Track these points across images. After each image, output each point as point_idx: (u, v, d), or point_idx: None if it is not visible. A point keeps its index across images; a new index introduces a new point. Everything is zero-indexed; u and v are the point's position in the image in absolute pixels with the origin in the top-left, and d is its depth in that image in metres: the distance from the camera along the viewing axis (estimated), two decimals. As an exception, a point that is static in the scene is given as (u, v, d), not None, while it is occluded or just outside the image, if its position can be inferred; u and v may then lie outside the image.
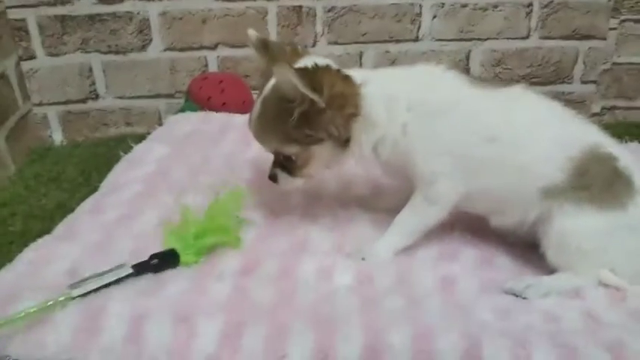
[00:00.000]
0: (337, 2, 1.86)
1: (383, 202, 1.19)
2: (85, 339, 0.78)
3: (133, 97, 1.93)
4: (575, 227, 0.90)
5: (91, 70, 1.87)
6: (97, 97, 1.91)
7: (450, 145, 0.96)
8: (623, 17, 1.93)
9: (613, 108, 2.06)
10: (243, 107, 1.73)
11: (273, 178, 1.03)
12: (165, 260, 0.93)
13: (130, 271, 0.89)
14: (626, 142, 1.58)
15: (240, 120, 1.56)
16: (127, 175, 1.22)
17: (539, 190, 0.94)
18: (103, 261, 0.91)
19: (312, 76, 0.91)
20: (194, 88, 1.73)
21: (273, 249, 1.01)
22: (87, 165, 1.70)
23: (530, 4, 1.90)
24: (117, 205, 1.10)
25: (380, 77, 1.01)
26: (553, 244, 0.92)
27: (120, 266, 0.89)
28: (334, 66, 0.98)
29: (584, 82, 2.02)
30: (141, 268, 0.90)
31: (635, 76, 2.02)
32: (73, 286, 0.84)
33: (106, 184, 1.22)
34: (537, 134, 0.95)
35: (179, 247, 0.95)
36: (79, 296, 0.83)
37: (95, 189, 1.24)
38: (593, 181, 0.92)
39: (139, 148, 1.34)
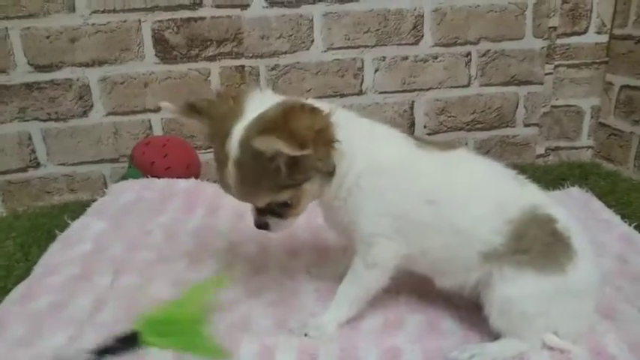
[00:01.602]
0: (280, 61, 1.87)
1: (331, 269, 1.17)
2: None
3: (76, 164, 1.88)
4: (516, 293, 0.90)
5: (30, 138, 1.82)
6: (37, 165, 1.86)
7: (391, 206, 0.95)
8: (556, 63, 2.01)
9: (557, 148, 2.12)
10: (188, 171, 1.71)
11: (263, 226, 0.98)
12: (125, 343, 0.89)
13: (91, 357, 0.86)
14: (567, 186, 1.63)
15: (184, 185, 1.55)
16: (62, 256, 1.17)
17: (479, 254, 0.93)
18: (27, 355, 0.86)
19: (290, 128, 0.82)
20: (137, 153, 1.70)
21: (213, 331, 0.96)
22: (27, 238, 1.63)
23: (469, 54, 1.96)
24: (49, 291, 1.05)
25: (343, 113, 0.96)
26: (495, 309, 0.92)
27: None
28: (290, 100, 0.93)
29: (526, 125, 2.07)
30: (102, 352, 0.87)
31: (573, 117, 2.09)
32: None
33: (40, 266, 1.17)
34: (475, 198, 0.95)
35: (144, 328, 0.91)
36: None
37: (33, 266, 1.19)
38: (532, 245, 0.91)
39: (75, 225, 1.30)
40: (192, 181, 1.58)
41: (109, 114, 1.84)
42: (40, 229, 1.64)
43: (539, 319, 0.91)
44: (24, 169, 1.85)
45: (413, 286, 1.08)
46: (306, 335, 0.96)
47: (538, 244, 0.92)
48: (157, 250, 1.21)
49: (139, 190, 1.49)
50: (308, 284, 1.13)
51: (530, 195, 0.98)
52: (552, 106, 2.06)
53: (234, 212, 1.43)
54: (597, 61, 2.02)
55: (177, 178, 1.63)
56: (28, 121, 1.80)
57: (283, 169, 0.87)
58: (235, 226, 1.36)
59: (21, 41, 1.72)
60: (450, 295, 1.03)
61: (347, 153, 0.94)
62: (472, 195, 0.96)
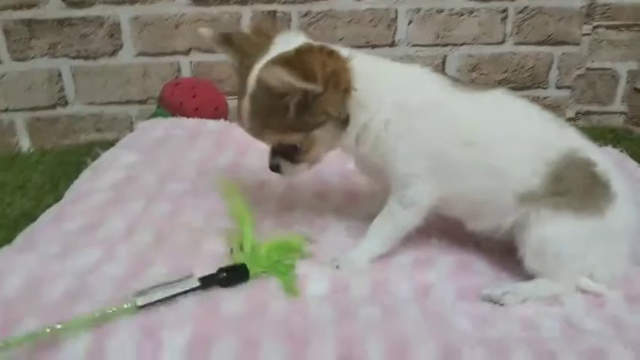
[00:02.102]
0: (312, 7, 1.84)
1: (359, 209, 1.17)
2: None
3: (103, 104, 1.88)
4: (553, 234, 0.88)
5: (60, 75, 1.82)
6: (65, 103, 1.86)
7: (427, 147, 0.94)
8: (595, 23, 1.95)
9: (587, 113, 2.07)
10: (216, 113, 1.70)
11: (275, 168, 0.99)
12: (234, 274, 0.90)
13: (197, 284, 0.86)
14: (600, 146, 1.59)
15: (213, 126, 1.54)
16: (93, 183, 1.17)
17: (516, 196, 0.92)
18: (61, 273, 0.87)
19: (301, 64, 0.84)
20: (166, 94, 1.69)
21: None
22: (54, 173, 1.65)
23: (505, 10, 1.91)
24: (81, 213, 1.06)
25: (365, 59, 0.96)
26: (531, 250, 0.91)
27: (187, 277, 0.86)
28: (314, 43, 0.93)
29: (558, 88, 2.03)
30: (208, 282, 0.87)
31: (607, 82, 2.04)
32: (139, 293, 0.81)
33: (70, 192, 1.17)
34: (513, 139, 0.94)
35: (248, 261, 0.92)
36: (143, 305, 0.80)
37: (62, 197, 1.20)
38: (571, 187, 0.90)
39: (106, 156, 1.30)
40: (221, 122, 1.57)
41: (138, 54, 1.83)
42: (69, 164, 1.65)
43: (574, 261, 0.90)
44: (52, 107, 1.86)
45: (444, 228, 1.07)
46: (337, 267, 0.96)
47: (577, 187, 0.90)
48: (189, 183, 1.21)
49: (168, 128, 1.49)
50: (337, 222, 1.12)
51: (569, 138, 0.96)
52: (587, 69, 2.01)
53: (263, 154, 1.42)
54: (638, 22, 1.95)
55: (206, 119, 1.62)
56: (58, 57, 1.80)
57: (292, 108, 0.87)
58: (264, 166, 1.35)
59: (54, -25, 1.71)
60: (482, 238, 1.02)
61: (368, 102, 0.93)
62: (510, 136, 0.94)
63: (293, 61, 0.85)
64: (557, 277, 0.90)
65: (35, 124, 1.87)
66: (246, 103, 0.92)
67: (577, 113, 2.07)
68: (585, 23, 1.94)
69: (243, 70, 0.93)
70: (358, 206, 1.21)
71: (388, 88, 0.94)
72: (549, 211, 0.89)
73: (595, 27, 1.95)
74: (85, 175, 1.22)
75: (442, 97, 0.95)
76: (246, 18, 1.83)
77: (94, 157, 1.32)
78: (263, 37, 0.95)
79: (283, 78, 0.82)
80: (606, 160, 0.95)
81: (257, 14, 1.83)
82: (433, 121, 0.94)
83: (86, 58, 1.81)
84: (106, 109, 1.89)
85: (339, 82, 0.88)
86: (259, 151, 1.42)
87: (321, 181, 1.32)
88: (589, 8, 1.92)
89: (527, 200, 0.92)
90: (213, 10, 1.81)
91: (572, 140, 0.95)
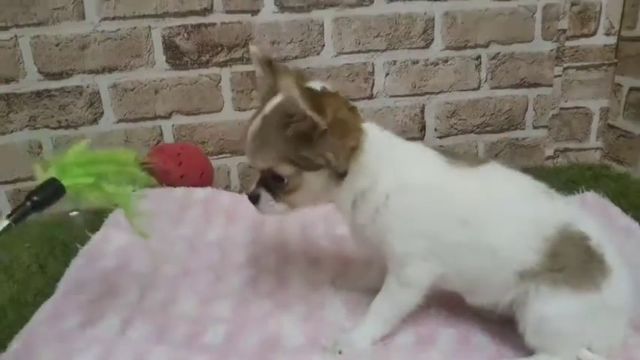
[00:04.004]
0: (291, 66, 1.86)
1: (355, 281, 1.18)
2: None
3: (86, 172, 1.86)
4: (551, 312, 0.90)
5: (40, 146, 1.80)
6: (47, 174, 1.84)
7: (426, 227, 0.94)
8: (565, 65, 2.01)
9: (565, 150, 2.12)
10: (202, 178, 1.70)
11: (254, 198, 0.97)
12: (45, 192, 0.84)
13: (8, 221, 0.81)
14: (582, 191, 1.63)
15: (201, 195, 1.54)
16: (86, 273, 1.16)
17: (515, 273, 0.93)
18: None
19: (317, 96, 0.87)
20: (151, 161, 1.68)
21: (244, 349, 0.96)
22: (41, 251, 1.61)
23: (479, 57, 1.95)
24: (77, 309, 1.04)
25: (376, 128, 0.98)
26: (530, 327, 0.91)
27: None
28: (342, 95, 0.95)
29: (535, 128, 2.07)
30: (21, 214, 0.82)
31: (582, 119, 2.09)
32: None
33: (64, 284, 1.15)
34: (510, 216, 0.95)
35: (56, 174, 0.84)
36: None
37: (51, 279, 1.18)
38: (567, 263, 0.91)
39: (96, 238, 1.28)
40: (208, 190, 1.57)
41: (119, 121, 1.83)
42: (56, 240, 1.62)
43: (574, 336, 0.91)
44: (34, 178, 1.83)
45: (443, 300, 1.08)
46: (340, 353, 0.95)
47: (573, 262, 0.92)
48: (181, 264, 1.21)
49: (156, 200, 1.48)
50: (335, 297, 1.13)
51: (562, 211, 0.98)
52: (561, 108, 2.06)
53: (251, 222, 1.43)
54: (606, 62, 2.02)
55: (192, 185, 1.62)
56: (38, 129, 1.78)
57: (290, 131, 0.87)
58: (253, 238, 1.36)
59: (31, 49, 1.70)
60: (481, 310, 1.03)
61: (372, 169, 0.94)
62: (507, 214, 0.95)
63: (312, 92, 0.87)
64: (557, 351, 0.91)
65: (17, 196, 1.84)
66: (257, 121, 0.93)
67: (555, 151, 2.12)
68: (556, 65, 2.00)
69: (268, 94, 0.95)
70: (352, 275, 1.21)
71: (393, 162, 0.96)
72: (547, 288, 0.91)
73: (565, 68, 2.01)
74: (77, 262, 1.20)
75: (440, 177, 0.96)
76: (225, 79, 1.84)
77: (81, 240, 1.30)
78: (301, 75, 0.96)
79: (295, 96, 0.84)
80: (598, 230, 0.96)
81: (236, 75, 1.84)
82: (431, 201, 0.95)
83: (67, 127, 1.80)
84: (88, 177, 1.86)
85: (347, 132, 0.90)
86: (246, 220, 1.43)
87: (313, 247, 1.33)
88: (558, 51, 1.98)
89: (525, 277, 0.93)
90: (193, 74, 1.82)
91: (565, 213, 0.97)
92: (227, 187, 1.94)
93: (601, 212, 1.46)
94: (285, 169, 0.91)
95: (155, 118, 1.85)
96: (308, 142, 0.88)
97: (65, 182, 0.86)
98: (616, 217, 1.42)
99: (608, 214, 1.45)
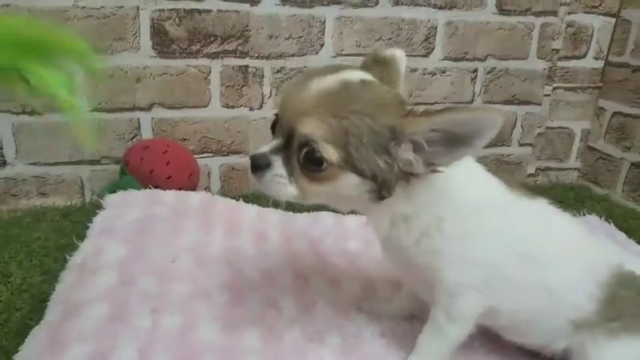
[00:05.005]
0: (286, 63, 1.74)
1: (382, 304, 1.08)
2: None
3: (49, 164, 1.64)
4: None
5: (-3, 134, 1.57)
6: (4, 163, 1.61)
7: (482, 254, 0.84)
8: (555, 85, 2.02)
9: (547, 169, 2.13)
10: (190, 179, 1.55)
11: (261, 164, 0.76)
12: None
13: None
14: (584, 214, 1.62)
15: (195, 200, 1.38)
16: (84, 291, 0.98)
17: (569, 322, 0.88)
18: None
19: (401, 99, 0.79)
20: (133, 159, 1.50)
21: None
22: (1, 253, 1.39)
23: (475, 70, 1.92)
24: (81, 336, 0.87)
25: None
26: None
27: None
28: None
29: (521, 145, 2.07)
30: None
31: (564, 139, 2.11)
32: None
33: (58, 303, 0.97)
34: (569, 257, 0.88)
35: None
36: None
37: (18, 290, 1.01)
38: (624, 309, 0.87)
39: (87, 250, 1.10)
40: (202, 195, 1.42)
41: (93, 110, 1.62)
42: (15, 242, 1.41)
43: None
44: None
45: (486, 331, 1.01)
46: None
47: (629, 308, 0.88)
48: (192, 282, 1.06)
49: (146, 204, 1.31)
50: (370, 325, 1.02)
51: (609, 251, 0.94)
52: (547, 127, 2.07)
53: (254, 233, 1.30)
54: (592, 85, 2.05)
55: (179, 188, 1.45)
56: (-3, 113, 1.55)
57: (369, 125, 0.73)
58: (261, 252, 1.23)
59: (-4, 20, 1.47)
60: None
61: (419, 197, 0.82)
62: (566, 254, 0.89)
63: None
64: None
65: (-38, 188, 1.60)
66: (331, 81, 0.75)
67: (537, 169, 2.12)
68: (546, 84, 2.00)
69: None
70: (381, 299, 1.12)
71: (447, 182, 0.82)
72: (605, 339, 0.86)
73: (554, 88, 2.02)
74: (70, 277, 1.02)
75: (503, 202, 0.87)
76: (215, 73, 1.69)
77: (66, 251, 1.12)
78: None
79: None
80: None
81: (227, 69, 1.69)
82: (492, 225, 0.85)
83: (30, 113, 1.58)
84: (52, 170, 1.65)
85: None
86: (248, 230, 1.30)
87: (327, 265, 1.22)
88: (550, 71, 1.98)
89: (581, 327, 0.87)
90: (180, 63, 1.65)
91: (612, 254, 0.93)
92: (207, 189, 1.78)
93: (611, 237, 1.45)
94: (331, 154, 0.72)
95: (134, 109, 1.66)
96: (378, 144, 0.74)
97: None
98: (626, 244, 1.41)
99: (617, 240, 1.44)
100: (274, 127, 0.81)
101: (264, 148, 0.77)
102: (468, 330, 0.90)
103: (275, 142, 0.77)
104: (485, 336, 1.01)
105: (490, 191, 0.88)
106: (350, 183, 0.75)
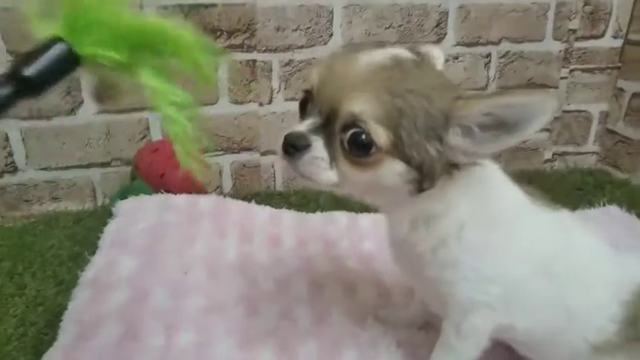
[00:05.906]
0: (294, 55, 1.70)
1: (397, 312, 1.07)
2: None
3: (60, 168, 1.63)
4: None
5: (7, 139, 1.56)
6: (15, 169, 1.60)
7: (502, 270, 0.79)
8: (572, 67, 1.95)
9: (564, 154, 2.08)
10: (203, 185, 1.53)
11: (298, 145, 0.68)
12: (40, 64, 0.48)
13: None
14: (604, 204, 1.58)
15: (207, 205, 1.37)
16: (98, 308, 0.98)
17: (588, 344, 0.84)
18: None
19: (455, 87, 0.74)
20: (142, 162, 1.49)
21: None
22: (15, 264, 1.38)
23: (489, 55, 1.86)
24: (98, 356, 0.87)
25: None
26: None
27: None
28: None
29: (537, 130, 2.01)
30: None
31: (582, 123, 2.05)
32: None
33: (70, 322, 0.97)
34: (592, 276, 0.84)
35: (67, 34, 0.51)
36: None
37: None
38: None
39: (99, 264, 1.10)
40: (214, 198, 1.40)
41: (100, 112, 1.61)
42: (29, 250, 1.41)
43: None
44: (-1, 175, 1.60)
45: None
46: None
47: None
48: (205, 295, 1.05)
49: (157, 211, 1.30)
50: (385, 337, 1.01)
51: (634, 267, 0.88)
52: (563, 111, 2.02)
53: (266, 237, 1.29)
54: (610, 66, 1.98)
55: (188, 191, 1.44)
56: (5, 118, 1.53)
57: (425, 109, 0.67)
58: (275, 258, 1.22)
59: (-1, 24, 1.45)
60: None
61: (450, 193, 0.75)
62: (590, 273, 0.84)
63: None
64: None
65: (-23, 194, 1.60)
66: (384, 55, 0.69)
67: (554, 154, 2.07)
68: (563, 67, 1.94)
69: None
70: (396, 306, 1.10)
71: (474, 184, 0.77)
72: None
73: (572, 70, 1.96)
74: (83, 295, 1.02)
75: (525, 208, 0.83)
76: (222, 68, 1.65)
77: (78, 262, 1.12)
78: None
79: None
80: None
81: (234, 64, 1.66)
82: (517, 240, 0.80)
83: (39, 118, 1.57)
84: (63, 174, 1.64)
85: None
86: (260, 235, 1.28)
87: (342, 269, 1.21)
88: (566, 53, 1.92)
89: (602, 351, 0.84)
90: (186, 61, 1.62)
91: (635, 268, 0.88)
92: (218, 188, 1.77)
93: (630, 229, 1.40)
94: (381, 137, 0.66)
95: (142, 109, 1.64)
96: (431, 130, 0.68)
97: (80, 49, 0.51)
98: (644, 234, 1.37)
99: (636, 232, 1.40)
100: (303, 105, 0.74)
101: (301, 127, 0.70)
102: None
103: (312, 121, 0.70)
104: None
105: (518, 202, 0.83)
106: (394, 171, 0.68)
